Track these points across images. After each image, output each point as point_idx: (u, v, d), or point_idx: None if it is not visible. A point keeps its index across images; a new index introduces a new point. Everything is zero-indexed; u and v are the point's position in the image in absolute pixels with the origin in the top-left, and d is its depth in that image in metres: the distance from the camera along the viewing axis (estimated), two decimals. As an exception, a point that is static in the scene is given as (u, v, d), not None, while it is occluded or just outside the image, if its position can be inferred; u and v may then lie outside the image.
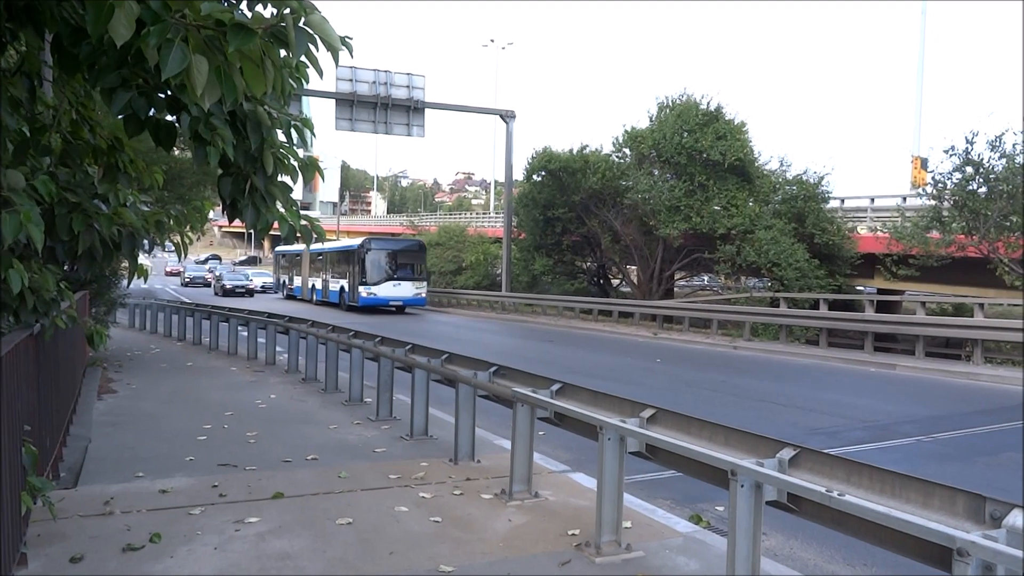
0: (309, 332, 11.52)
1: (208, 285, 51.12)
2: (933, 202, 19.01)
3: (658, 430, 4.49)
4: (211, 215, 5.95)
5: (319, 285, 34.70)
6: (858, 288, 25.16)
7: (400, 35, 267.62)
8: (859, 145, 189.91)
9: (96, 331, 5.14)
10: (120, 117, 2.83)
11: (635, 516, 5.11)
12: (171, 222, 4.21)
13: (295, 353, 12.50)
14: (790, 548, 5.07)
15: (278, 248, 44.93)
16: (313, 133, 3.76)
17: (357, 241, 31.10)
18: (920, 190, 21.70)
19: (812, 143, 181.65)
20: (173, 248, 4.37)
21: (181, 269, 57.83)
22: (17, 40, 2.97)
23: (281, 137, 3.42)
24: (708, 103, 25.54)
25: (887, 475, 3.26)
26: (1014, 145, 17.18)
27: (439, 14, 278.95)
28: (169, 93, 2.85)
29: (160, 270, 63.36)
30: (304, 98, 34.04)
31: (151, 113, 2.88)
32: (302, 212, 3.65)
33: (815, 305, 19.35)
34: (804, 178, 24.42)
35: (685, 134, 24.55)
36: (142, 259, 4.45)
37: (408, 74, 29.06)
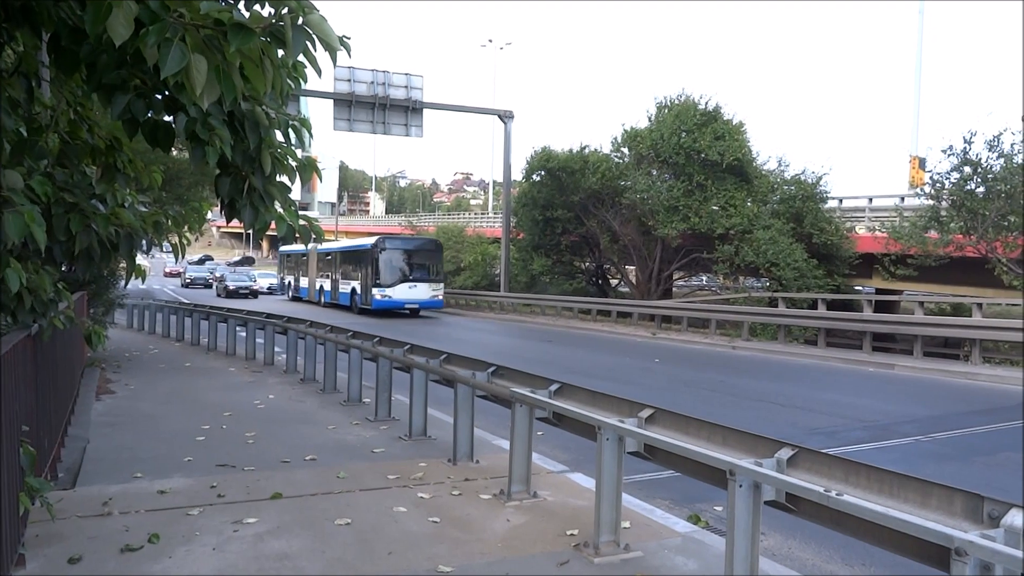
0: (307, 332, 11.52)
1: (209, 286, 50.24)
2: (931, 202, 19.03)
3: (656, 430, 4.49)
4: (209, 215, 5.95)
5: (327, 286, 33.34)
6: (856, 288, 25.18)
7: (398, 35, 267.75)
8: (857, 145, 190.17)
9: (94, 331, 5.13)
10: (119, 119, 2.83)
11: (634, 516, 5.11)
12: (169, 223, 4.21)
13: (293, 353, 12.50)
14: (788, 548, 5.07)
15: (283, 248, 43.49)
16: (311, 133, 3.76)
17: (370, 240, 29.69)
18: (918, 190, 21.70)
19: (810, 143, 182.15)
20: (171, 248, 4.37)
21: (181, 270, 56.85)
22: (14, 40, 2.96)
23: (279, 137, 3.42)
24: (706, 103, 25.57)
25: (885, 475, 3.26)
26: (1012, 145, 17.20)
27: (437, 14, 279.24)
28: (167, 93, 2.85)
29: (159, 271, 63.00)
30: (302, 98, 33.88)
31: (149, 114, 2.88)
32: (300, 212, 3.65)
33: (813, 305, 19.37)
34: (802, 178, 24.43)
35: (683, 134, 24.57)
36: (140, 260, 4.45)
37: (406, 74, 29.06)
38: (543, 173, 29.45)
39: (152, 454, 6.82)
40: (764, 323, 19.85)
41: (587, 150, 28.50)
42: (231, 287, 41.83)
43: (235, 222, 3.41)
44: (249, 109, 3.05)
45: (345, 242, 34.88)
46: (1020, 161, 16.92)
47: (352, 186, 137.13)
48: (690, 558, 4.47)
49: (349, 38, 2.63)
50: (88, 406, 9.02)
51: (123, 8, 2.18)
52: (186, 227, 4.42)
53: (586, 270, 32.44)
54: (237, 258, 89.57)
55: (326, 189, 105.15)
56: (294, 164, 3.44)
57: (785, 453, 3.68)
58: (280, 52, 2.53)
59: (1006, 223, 17.16)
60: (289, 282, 40.40)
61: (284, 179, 3.45)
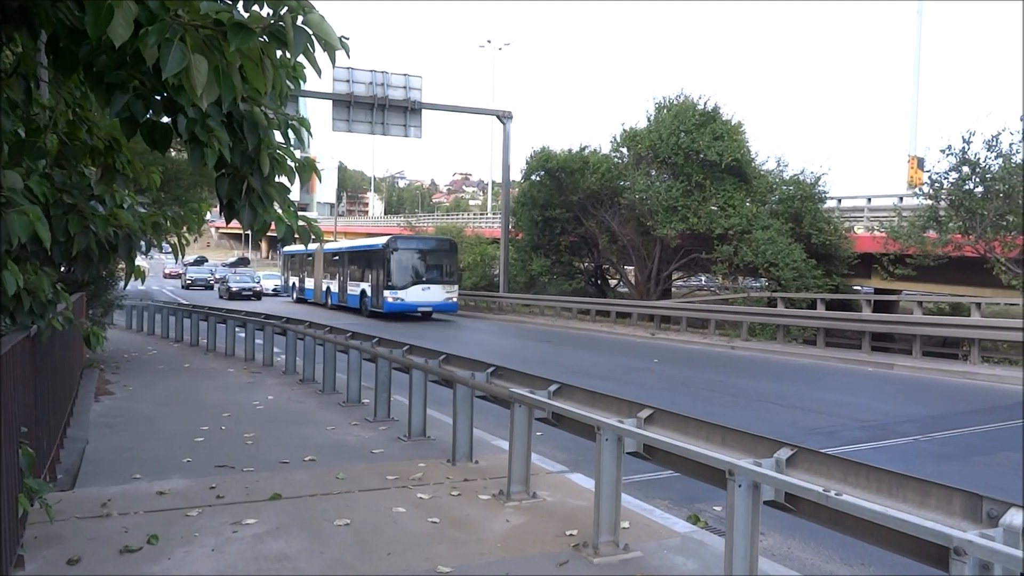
0: (306, 333, 11.51)
1: (210, 288, 49.44)
2: (930, 202, 19.05)
3: (656, 430, 4.49)
4: (208, 216, 5.95)
5: (334, 288, 32.06)
6: (855, 288, 25.18)
7: (397, 36, 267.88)
8: (856, 145, 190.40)
9: (93, 332, 5.12)
10: (117, 118, 2.83)
11: (633, 516, 5.11)
12: (168, 223, 4.20)
13: (292, 354, 12.49)
14: (788, 548, 5.07)
15: (286, 248, 42.31)
16: (310, 134, 3.76)
17: (381, 240, 28.48)
18: (917, 190, 21.71)
19: (809, 143, 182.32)
20: (170, 249, 4.37)
21: (181, 271, 55.91)
22: (12, 42, 2.96)
23: (278, 138, 3.41)
24: (705, 103, 25.58)
25: (884, 474, 3.26)
26: (1011, 145, 17.22)
27: (436, 15, 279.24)
28: (165, 95, 2.84)
29: (157, 272, 62.72)
30: (301, 99, 33.82)
31: (148, 115, 2.87)
32: (300, 213, 3.65)
33: (812, 305, 19.38)
34: (801, 178, 24.43)
35: (682, 134, 24.58)
36: (139, 260, 4.45)
37: (405, 75, 29.03)
38: (542, 173, 29.44)
39: (151, 455, 6.82)
40: (763, 323, 19.86)
41: (586, 150, 28.50)
42: (234, 289, 40.65)
43: (234, 223, 3.41)
44: (248, 110, 3.04)
45: (354, 241, 33.66)
46: (1018, 161, 16.93)
47: (351, 187, 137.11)
48: (689, 558, 4.48)
49: (348, 38, 2.63)
50: (87, 407, 9.01)
51: (123, 9, 2.18)
52: (185, 228, 4.42)
53: (585, 270, 32.43)
54: (232, 259, 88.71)
55: (325, 190, 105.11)
56: (293, 165, 3.44)
57: (784, 453, 3.68)
58: (279, 52, 2.53)
59: (1004, 223, 17.18)
60: (294, 283, 39.36)
61: (283, 180, 3.45)
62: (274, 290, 44.77)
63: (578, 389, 5.53)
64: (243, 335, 14.87)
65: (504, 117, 31.54)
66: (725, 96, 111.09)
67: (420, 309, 26.66)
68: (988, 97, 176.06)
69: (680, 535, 4.87)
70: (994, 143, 17.36)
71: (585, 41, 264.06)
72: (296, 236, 3.63)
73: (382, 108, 28.44)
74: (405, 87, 28.80)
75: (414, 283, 26.52)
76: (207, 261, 78.78)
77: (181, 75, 2.27)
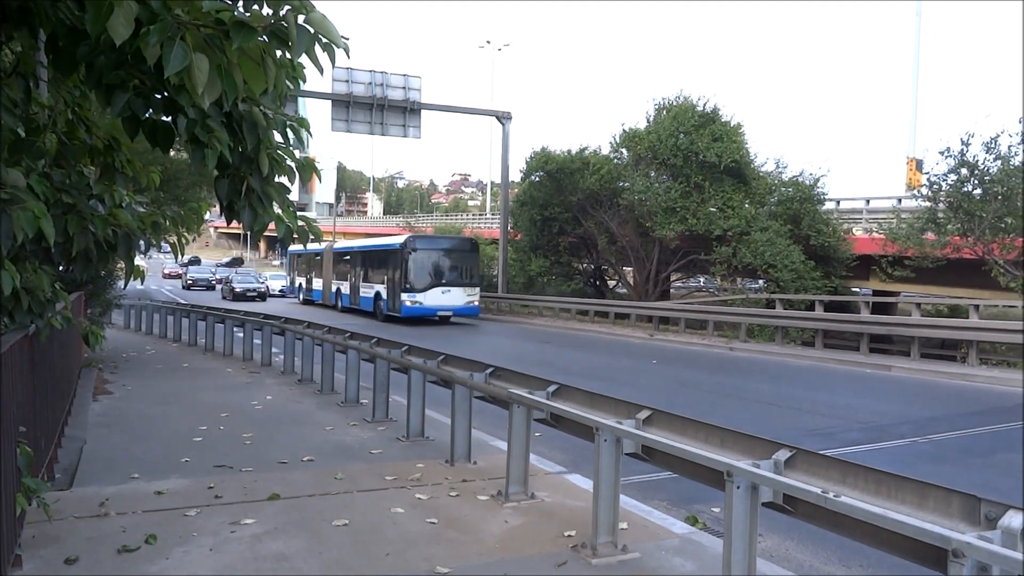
0: (305, 333, 11.51)
1: (212, 288, 48.69)
2: (928, 204, 19.07)
3: (654, 431, 4.49)
4: (208, 216, 5.95)
5: (345, 289, 30.46)
6: (854, 289, 25.20)
7: (396, 36, 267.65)
8: (855, 147, 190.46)
9: (92, 332, 5.11)
10: (118, 118, 2.83)
11: (631, 517, 5.11)
12: (167, 223, 4.20)
13: (291, 354, 12.48)
14: (786, 549, 5.08)
15: (292, 247, 40.24)
16: (310, 134, 3.75)
17: (398, 239, 27.05)
18: (915, 192, 21.75)
19: (808, 144, 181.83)
20: (169, 249, 4.36)
21: (182, 271, 55.07)
22: (12, 41, 2.96)
23: (277, 138, 3.41)
24: (704, 104, 25.58)
25: (882, 476, 3.26)
26: (1009, 147, 17.26)
27: (435, 15, 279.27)
28: (165, 94, 2.84)
29: (156, 271, 62.55)
30: (300, 99, 33.81)
31: (148, 114, 2.87)
32: (299, 213, 3.65)
33: (811, 306, 19.39)
34: (800, 180, 24.44)
35: (681, 135, 24.58)
36: (138, 260, 4.44)
37: (404, 75, 29.03)
38: (541, 174, 29.45)
39: (149, 455, 6.81)
40: (762, 324, 19.87)
41: (585, 151, 28.51)
42: (238, 289, 39.27)
43: (234, 223, 3.41)
44: (247, 110, 3.04)
45: (367, 240, 32.50)
46: (1017, 163, 16.96)
47: (350, 187, 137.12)
48: (688, 559, 4.48)
49: (347, 38, 2.63)
50: (85, 407, 9.00)
51: (123, 8, 2.17)
52: (184, 228, 4.41)
53: (584, 271, 32.44)
54: (227, 259, 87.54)
55: (324, 190, 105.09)
56: (292, 165, 3.44)
57: (783, 454, 3.68)
58: (279, 52, 2.53)
59: (1003, 225, 17.21)
60: (300, 284, 37.99)
61: (283, 180, 3.45)
62: (281, 291, 43.85)
63: (577, 390, 5.53)
64: (241, 335, 14.86)
65: (503, 118, 31.55)
66: (724, 97, 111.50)
67: (439, 313, 25.25)
68: (987, 99, 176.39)
69: (678, 536, 4.88)
70: (993, 145, 17.40)
71: (585, 41, 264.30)
72: (295, 236, 3.63)
73: (381, 108, 28.43)
74: (404, 87, 28.79)
75: (433, 285, 25.06)
76: (200, 262, 77.44)
77: (183, 74, 2.27)
